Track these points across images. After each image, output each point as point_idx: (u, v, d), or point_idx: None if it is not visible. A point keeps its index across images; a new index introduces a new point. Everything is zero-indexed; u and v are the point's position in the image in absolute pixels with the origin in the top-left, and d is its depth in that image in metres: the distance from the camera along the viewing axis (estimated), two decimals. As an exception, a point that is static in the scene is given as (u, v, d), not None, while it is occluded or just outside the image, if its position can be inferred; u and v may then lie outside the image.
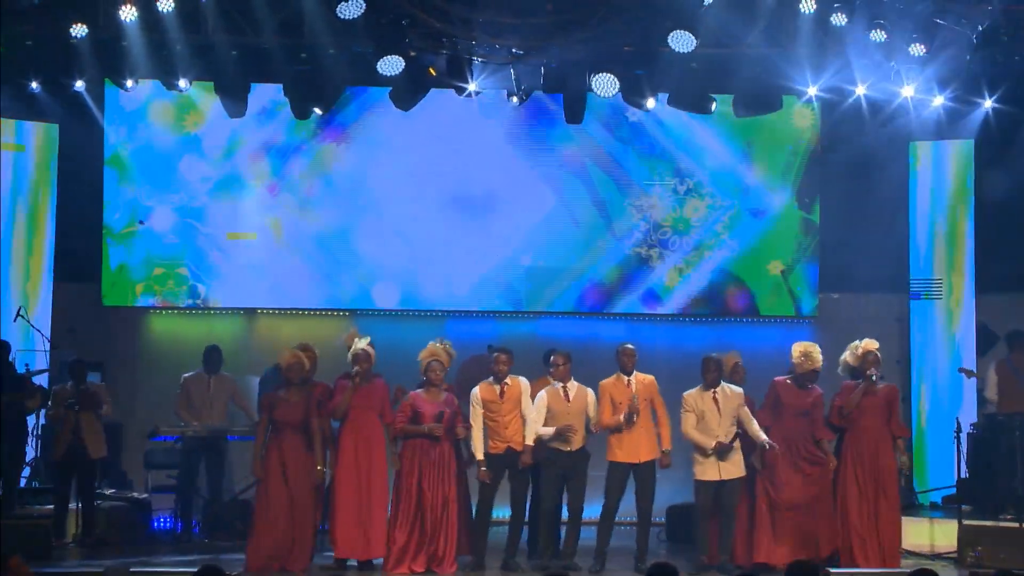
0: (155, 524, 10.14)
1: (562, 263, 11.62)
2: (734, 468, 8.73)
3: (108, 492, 10.15)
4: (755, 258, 11.72)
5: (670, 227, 11.68)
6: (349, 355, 8.75)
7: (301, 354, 8.79)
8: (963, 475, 10.08)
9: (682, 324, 11.71)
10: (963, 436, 10.00)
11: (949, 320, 11.31)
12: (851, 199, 11.47)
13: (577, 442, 8.69)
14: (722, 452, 8.67)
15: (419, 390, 8.74)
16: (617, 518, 9.04)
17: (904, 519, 9.52)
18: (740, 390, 8.82)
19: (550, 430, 8.65)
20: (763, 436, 8.70)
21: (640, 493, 8.75)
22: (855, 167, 11.38)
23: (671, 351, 10.94)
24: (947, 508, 10.41)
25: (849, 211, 11.53)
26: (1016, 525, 9.27)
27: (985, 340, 11.35)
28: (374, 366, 8.85)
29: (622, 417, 8.61)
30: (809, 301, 11.71)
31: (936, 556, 9.57)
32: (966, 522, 9.38)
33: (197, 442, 10.07)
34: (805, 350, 8.81)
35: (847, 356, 9.00)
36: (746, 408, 8.79)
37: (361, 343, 8.75)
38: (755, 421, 8.74)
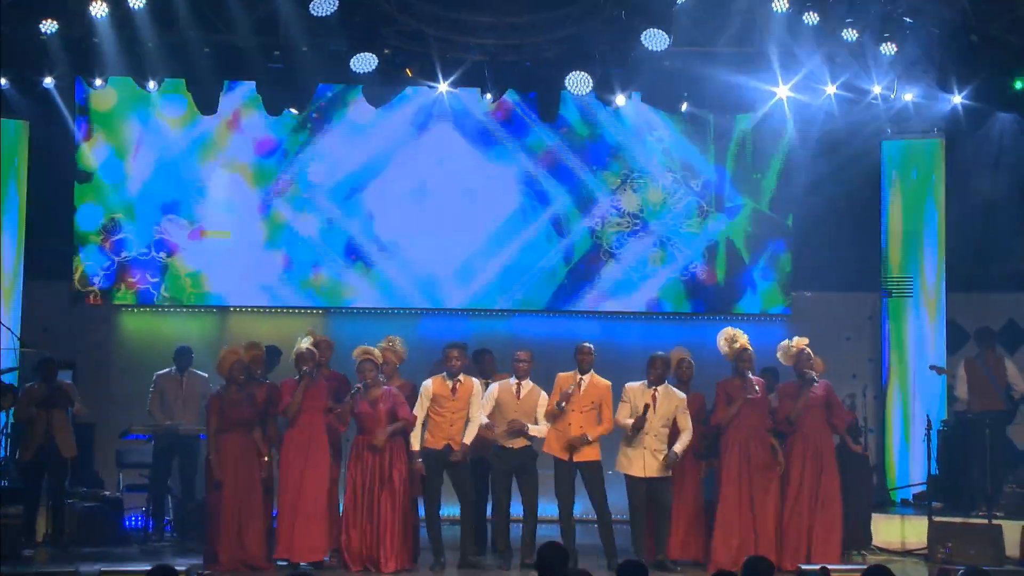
0: (127, 524, 10.08)
1: (536, 261, 11.57)
2: (661, 466, 8.72)
3: (80, 491, 10.05)
4: (727, 256, 11.66)
5: (642, 225, 11.63)
6: (292, 354, 8.70)
7: (241, 351, 8.76)
8: (934, 472, 10.13)
9: (655, 322, 11.66)
10: (934, 433, 10.08)
11: (920, 318, 11.27)
12: (823, 197, 11.44)
13: (520, 441, 8.70)
14: (633, 438, 8.60)
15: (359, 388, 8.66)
16: (587, 515, 9.08)
17: (875, 516, 9.73)
18: (683, 396, 8.81)
19: (490, 423, 8.60)
20: (679, 447, 8.68)
21: (590, 494, 8.74)
22: (827, 166, 11.34)
23: (643, 348, 10.33)
24: (918, 505, 10.43)
25: (821, 209, 11.51)
26: (985, 522, 9.31)
27: (955, 338, 11.40)
28: (329, 363, 8.86)
29: (555, 404, 8.65)
30: (781, 299, 11.68)
31: (907, 553, 9.62)
32: (936, 519, 9.44)
33: (169, 441, 10.00)
34: (727, 336, 8.82)
35: (779, 355, 8.99)
36: (686, 414, 8.75)
37: (304, 343, 8.70)
38: (689, 432, 8.71)
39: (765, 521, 8.76)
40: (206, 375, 10.35)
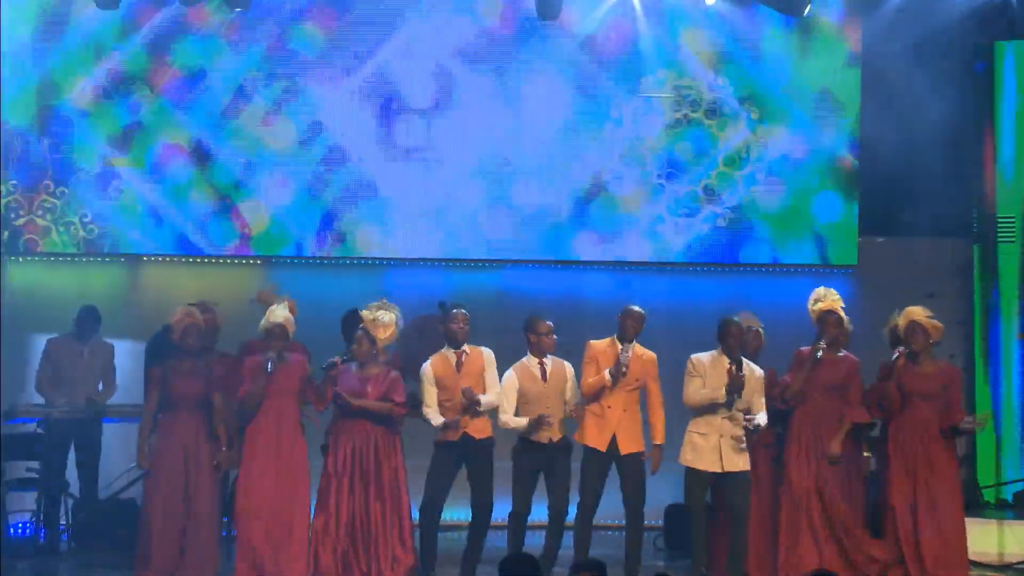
0: (11, 531, 10.01)
1: (537, 198, 11.35)
2: (740, 459, 8.63)
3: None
4: (780, 193, 11.42)
5: (672, 153, 11.39)
6: (261, 326, 8.65)
7: (197, 313, 8.76)
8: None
9: (687, 275, 11.50)
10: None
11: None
12: (903, 118, 11.12)
13: (556, 432, 8.68)
14: (709, 422, 8.55)
15: (348, 364, 8.67)
16: (605, 520, 9.21)
17: (966, 520, 9.39)
18: (761, 372, 8.76)
19: (522, 421, 8.62)
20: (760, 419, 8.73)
21: (626, 489, 8.68)
22: (915, 76, 11.05)
23: (673, 309, 10.69)
24: (1019, 507, 10.55)
25: (901, 133, 11.14)
26: (1105, 528, 9.41)
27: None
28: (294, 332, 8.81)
29: (607, 373, 8.59)
30: (846, 247, 11.41)
31: (1006, 567, 9.66)
32: (1044, 524, 9.62)
33: (65, 426, 9.89)
34: (815, 295, 8.98)
35: (898, 320, 8.97)
36: (762, 397, 8.74)
37: (279, 313, 8.64)
38: (763, 416, 8.72)
39: (845, 530, 8.76)
40: (112, 344, 10.29)
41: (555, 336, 8.71)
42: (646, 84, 11.31)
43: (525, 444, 8.66)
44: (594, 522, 8.75)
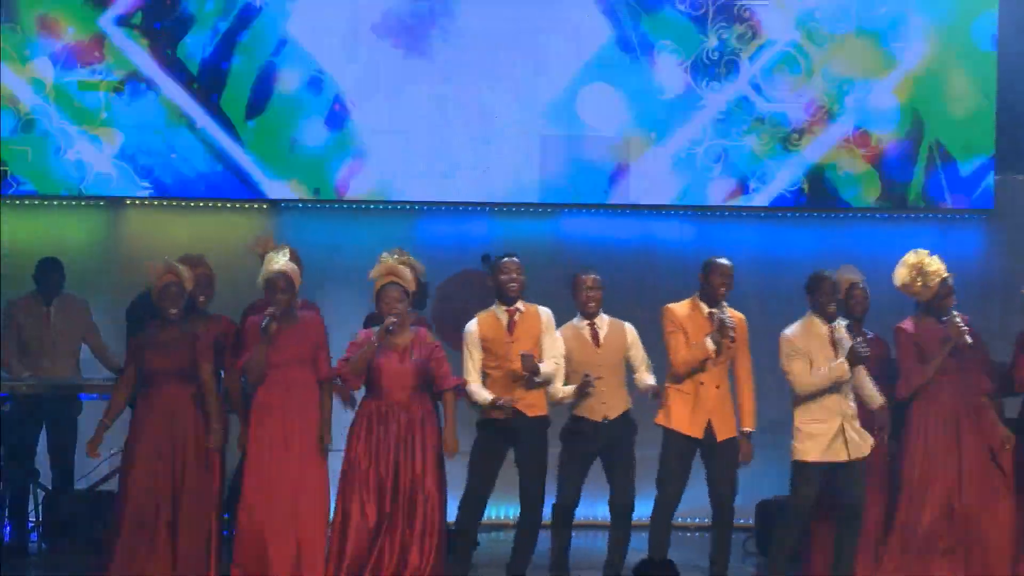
0: (-28, 529, 9.62)
1: (599, 132, 10.99)
2: (866, 442, 8.16)
3: None
4: (897, 120, 10.95)
5: (762, 73, 10.99)
6: (260, 279, 8.20)
7: (181, 269, 8.31)
8: None
9: (779, 223, 11.11)
10: None
11: None
12: None
13: (614, 407, 8.28)
14: (823, 405, 8.01)
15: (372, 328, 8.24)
16: (681, 519, 9.20)
17: None
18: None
19: (570, 390, 8.28)
20: (878, 398, 8.36)
21: (719, 483, 8.33)
22: None
23: (761, 264, 10.37)
24: None
25: None
26: None
27: None
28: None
29: (709, 342, 8.16)
30: (979, 186, 10.98)
31: None
32: None
33: (34, 403, 9.56)
34: (915, 264, 8.53)
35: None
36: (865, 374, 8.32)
37: (279, 260, 8.17)
38: (869, 378, 8.31)
39: (979, 526, 8.33)
40: (85, 301, 9.97)
41: (597, 291, 8.37)
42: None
43: (577, 423, 8.32)
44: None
